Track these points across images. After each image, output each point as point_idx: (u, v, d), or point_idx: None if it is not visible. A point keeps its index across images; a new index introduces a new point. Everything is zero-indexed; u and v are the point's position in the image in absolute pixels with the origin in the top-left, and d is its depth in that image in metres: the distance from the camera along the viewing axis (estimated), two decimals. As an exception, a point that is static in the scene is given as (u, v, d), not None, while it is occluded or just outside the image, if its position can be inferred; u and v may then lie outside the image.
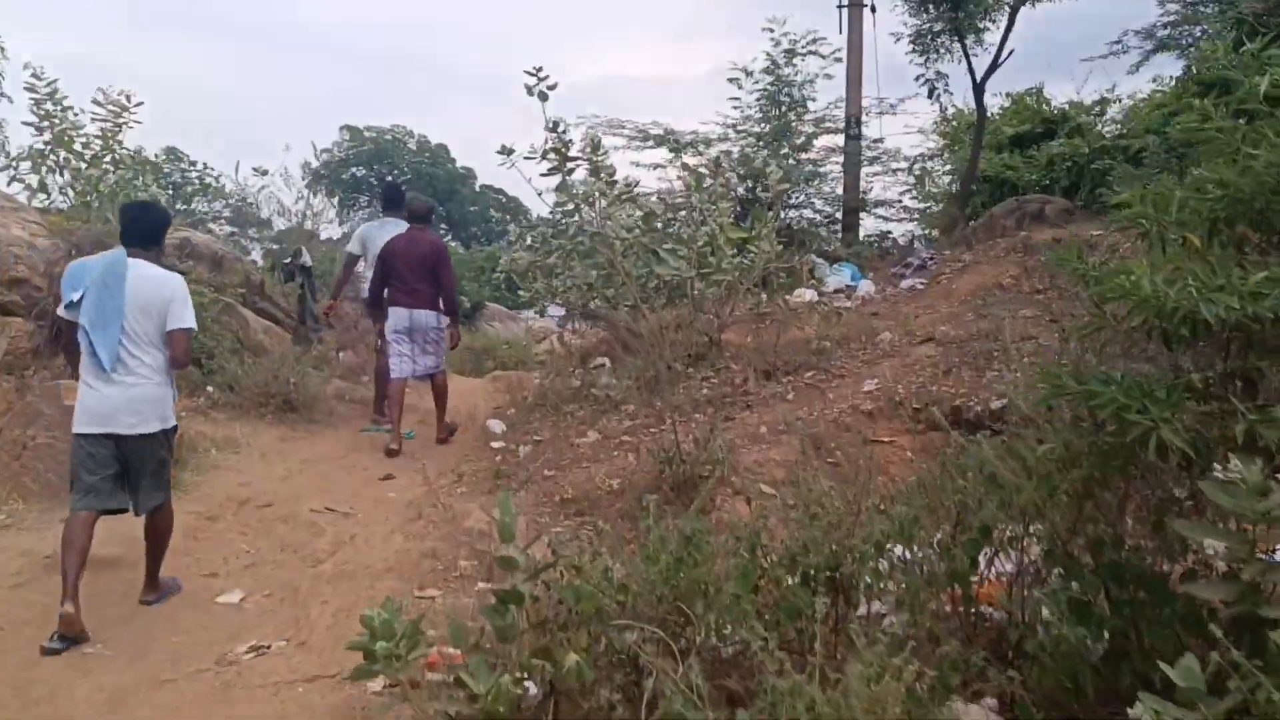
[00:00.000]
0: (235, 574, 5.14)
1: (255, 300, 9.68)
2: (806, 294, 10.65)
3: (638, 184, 8.00)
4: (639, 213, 7.52)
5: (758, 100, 14.77)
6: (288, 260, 10.73)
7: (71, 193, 10.55)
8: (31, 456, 6.23)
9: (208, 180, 17.10)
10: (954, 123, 17.33)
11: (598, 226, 7.21)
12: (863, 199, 14.71)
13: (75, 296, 4.54)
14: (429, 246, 7.77)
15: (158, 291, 4.60)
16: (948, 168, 17.93)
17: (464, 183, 53.63)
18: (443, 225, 48.16)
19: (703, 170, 8.08)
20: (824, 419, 6.11)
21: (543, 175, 7.61)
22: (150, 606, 4.78)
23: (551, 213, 8.06)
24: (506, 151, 7.44)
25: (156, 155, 12.49)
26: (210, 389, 8.20)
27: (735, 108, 14.83)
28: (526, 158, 7.38)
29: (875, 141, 15.28)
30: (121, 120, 10.57)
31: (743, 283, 7.28)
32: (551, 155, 7.34)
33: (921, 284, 10.74)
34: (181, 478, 6.46)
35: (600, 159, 7.25)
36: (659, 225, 7.68)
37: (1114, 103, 18.28)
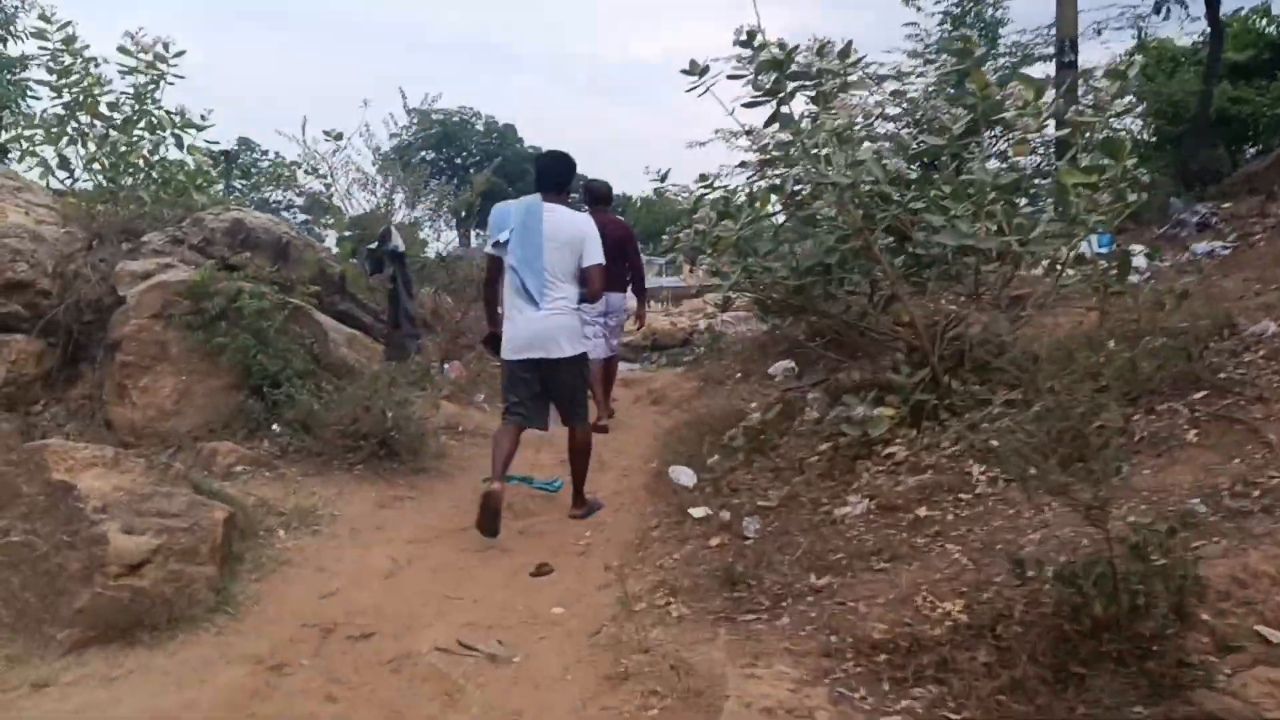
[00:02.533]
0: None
1: (335, 301, 7.56)
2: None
3: (878, 116, 5.62)
4: (890, 156, 5.16)
5: (939, 25, 12.32)
6: (373, 245, 8.57)
7: (100, 166, 8.51)
8: (1, 562, 4.13)
9: (280, 170, 15.16)
10: (1134, 57, 14.81)
11: (842, 175, 4.84)
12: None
13: (503, 237, 5.27)
14: (617, 229, 7.88)
15: (573, 231, 5.34)
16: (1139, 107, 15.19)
17: (533, 163, 53.64)
18: (513, 204, 49.12)
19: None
20: (1297, 483, 3.69)
21: (746, 105, 5.29)
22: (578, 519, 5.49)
23: (761, 159, 5.72)
24: (699, 71, 5.13)
25: (230, 148, 10.44)
26: (276, 429, 6.08)
27: (912, 35, 12.37)
28: (731, 76, 5.05)
29: (1087, 72, 12.63)
30: (158, 73, 8.51)
31: (1068, 249, 4.89)
32: (766, 72, 5.00)
33: (1224, 248, 8.22)
34: (231, 590, 4.32)
35: (847, 72, 4.87)
36: (916, 170, 5.30)
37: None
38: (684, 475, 5.65)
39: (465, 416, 7.44)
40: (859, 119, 5.08)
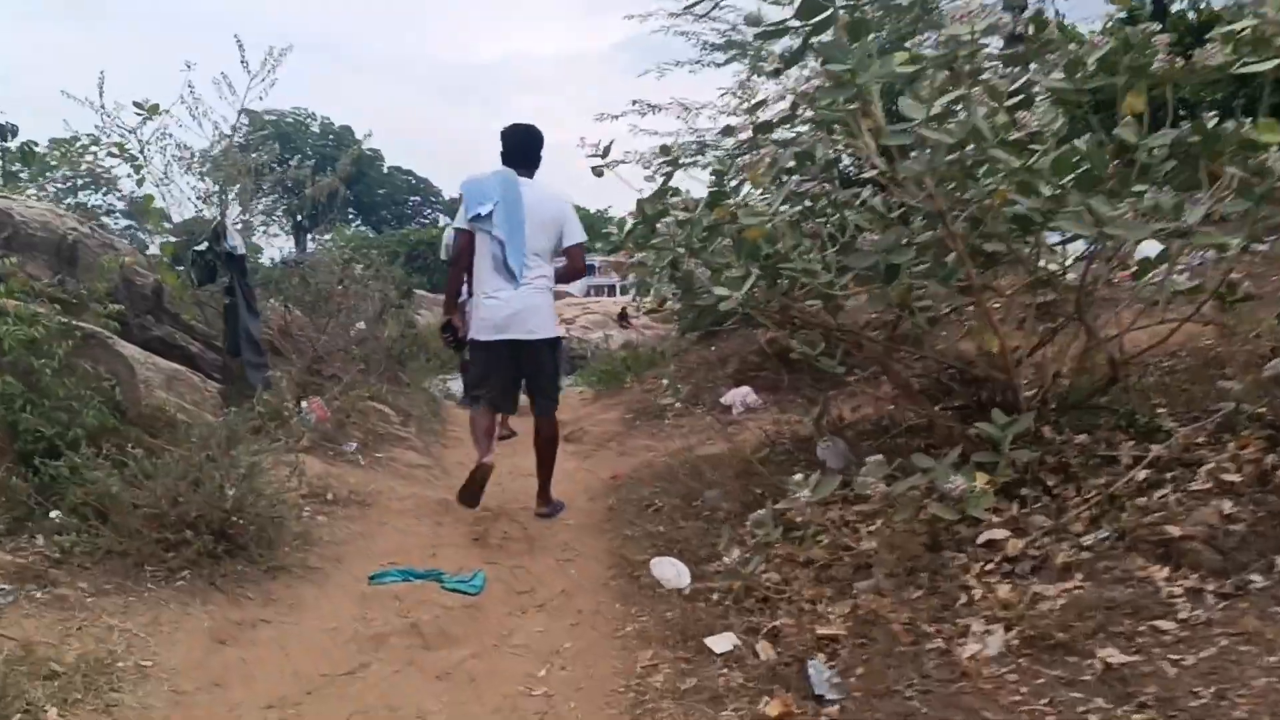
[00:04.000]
0: None
1: (147, 323, 5.60)
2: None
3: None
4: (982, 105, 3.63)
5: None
6: (202, 246, 6.61)
7: None
8: None
9: (70, 149, 12.78)
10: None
11: (943, 133, 3.29)
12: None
13: (484, 209, 5.05)
14: None
15: (553, 209, 5.20)
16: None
17: (371, 165, 53.63)
18: (350, 209, 47.84)
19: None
20: None
21: (760, 35, 3.68)
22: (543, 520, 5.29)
23: (753, 122, 4.10)
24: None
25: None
26: (55, 518, 4.14)
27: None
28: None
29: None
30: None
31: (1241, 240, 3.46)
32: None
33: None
34: None
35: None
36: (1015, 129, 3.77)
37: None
38: (672, 571, 3.99)
39: (336, 477, 5.56)
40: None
